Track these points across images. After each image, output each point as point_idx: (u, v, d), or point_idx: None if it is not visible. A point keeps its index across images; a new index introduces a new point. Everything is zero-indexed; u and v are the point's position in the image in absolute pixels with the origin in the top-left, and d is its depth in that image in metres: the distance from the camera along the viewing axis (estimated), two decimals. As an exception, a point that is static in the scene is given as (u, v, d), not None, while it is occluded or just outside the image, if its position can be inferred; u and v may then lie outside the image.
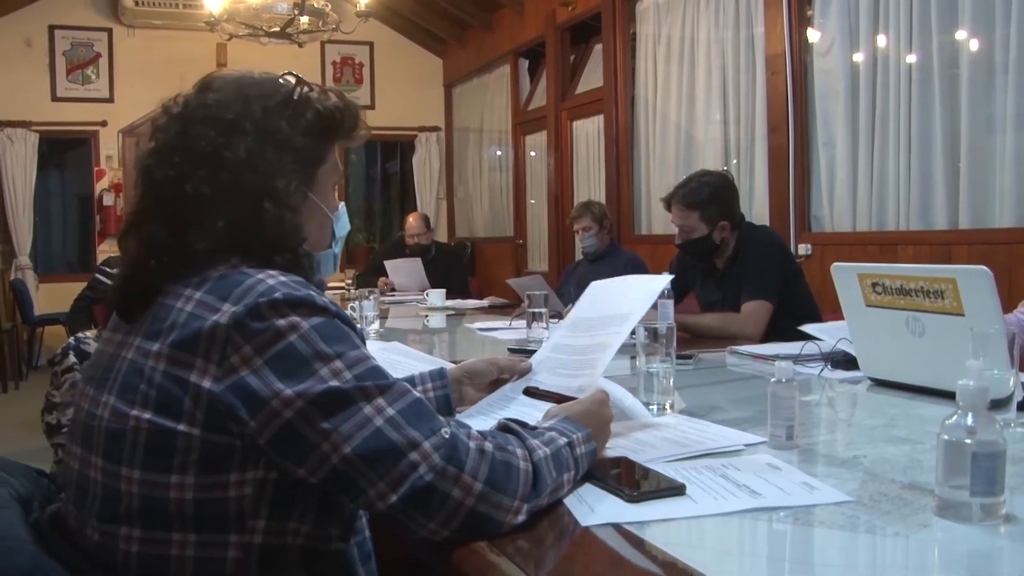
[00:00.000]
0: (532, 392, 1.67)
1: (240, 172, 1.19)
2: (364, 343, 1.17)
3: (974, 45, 4.05)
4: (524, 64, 8.53)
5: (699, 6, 5.83)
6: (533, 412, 1.58)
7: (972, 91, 4.06)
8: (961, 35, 4.10)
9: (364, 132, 1.38)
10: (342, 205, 1.41)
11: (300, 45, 6.79)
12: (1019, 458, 1.40)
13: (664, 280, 1.74)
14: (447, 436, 1.09)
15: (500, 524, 1.10)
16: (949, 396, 1.14)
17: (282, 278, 1.14)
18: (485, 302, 4.95)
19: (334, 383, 1.07)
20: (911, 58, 4.34)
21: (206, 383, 1.08)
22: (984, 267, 1.81)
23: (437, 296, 4.75)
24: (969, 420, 1.10)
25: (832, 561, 1.06)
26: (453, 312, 4.55)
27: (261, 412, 1.07)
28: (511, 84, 8.59)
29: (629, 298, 1.69)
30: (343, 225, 1.42)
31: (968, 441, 1.09)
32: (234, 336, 1.08)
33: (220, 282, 1.13)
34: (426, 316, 4.49)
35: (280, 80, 1.29)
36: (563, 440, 1.23)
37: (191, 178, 1.19)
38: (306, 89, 1.29)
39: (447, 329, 4.03)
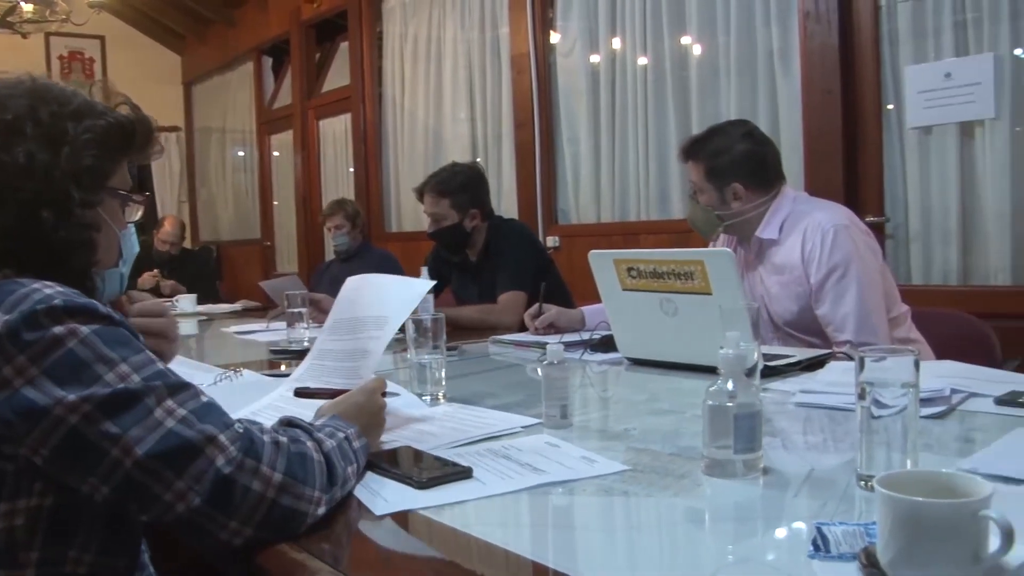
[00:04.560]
0: (303, 393, 1.63)
1: (14, 177, 1.10)
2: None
3: (698, 50, 4.37)
4: (268, 62, 8.33)
5: (445, 7, 5.92)
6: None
7: (700, 91, 4.37)
8: (687, 40, 4.41)
9: (157, 150, 1.32)
10: (131, 225, 1.33)
11: (24, 36, 6.31)
12: (765, 418, 1.54)
13: (425, 285, 1.74)
14: (241, 430, 1.05)
15: (304, 516, 1.06)
16: (701, 370, 1.24)
17: (60, 288, 1.05)
18: (238, 305, 4.85)
19: (121, 386, 1.00)
20: (644, 60, 4.61)
21: None
22: (728, 249, 1.97)
23: (188, 301, 4.58)
24: (730, 386, 1.21)
25: (615, 525, 1.13)
26: (205, 317, 4.41)
27: (41, 423, 0.98)
28: (255, 82, 8.36)
29: (388, 301, 1.69)
30: (131, 244, 1.33)
31: (730, 404, 1.20)
32: (7, 346, 0.99)
33: None
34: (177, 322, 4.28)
35: (74, 89, 1.21)
36: (340, 434, 1.22)
37: None
38: (97, 98, 1.23)
39: (202, 335, 3.88)
